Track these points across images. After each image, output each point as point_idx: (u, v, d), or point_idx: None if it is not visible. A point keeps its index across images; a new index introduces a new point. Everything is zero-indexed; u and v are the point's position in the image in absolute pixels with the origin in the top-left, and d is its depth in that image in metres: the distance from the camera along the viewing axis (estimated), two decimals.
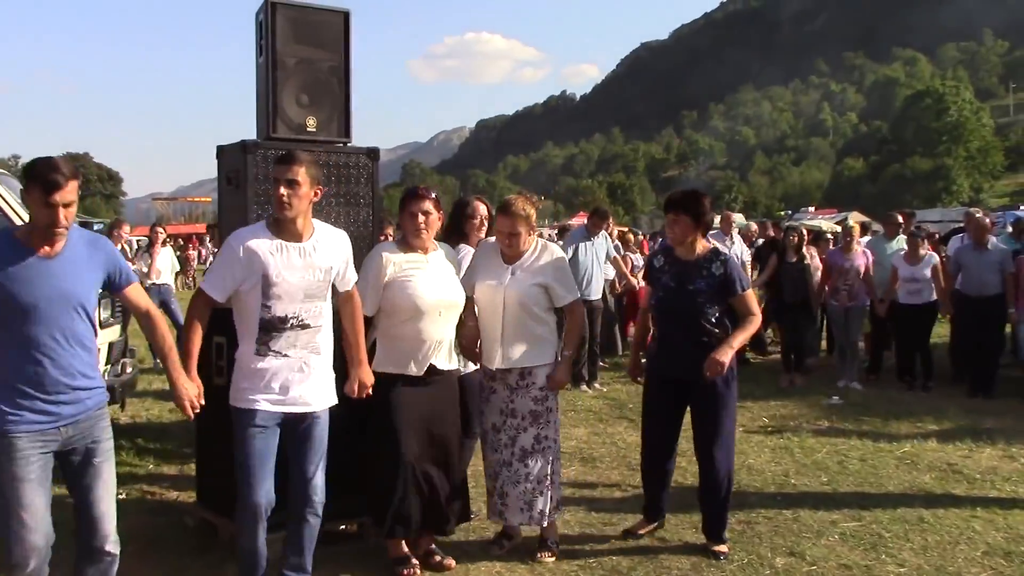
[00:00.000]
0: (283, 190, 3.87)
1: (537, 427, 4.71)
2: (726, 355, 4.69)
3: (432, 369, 4.51)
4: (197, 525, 5.02)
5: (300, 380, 3.99)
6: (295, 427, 4.04)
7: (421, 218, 4.49)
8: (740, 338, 4.81)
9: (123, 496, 5.12)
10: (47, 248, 3.43)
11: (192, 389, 3.82)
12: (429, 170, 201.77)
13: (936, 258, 9.92)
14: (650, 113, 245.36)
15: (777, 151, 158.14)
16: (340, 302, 4.25)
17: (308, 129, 4.87)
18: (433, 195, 4.61)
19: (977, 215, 10.65)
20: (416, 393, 4.48)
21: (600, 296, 9.93)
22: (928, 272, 9.71)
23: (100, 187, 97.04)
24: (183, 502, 5.66)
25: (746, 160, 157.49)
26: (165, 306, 11.39)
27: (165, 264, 11.78)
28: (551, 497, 4.77)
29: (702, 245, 4.93)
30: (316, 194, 4.01)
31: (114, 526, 3.61)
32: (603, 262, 9.93)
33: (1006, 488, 6.05)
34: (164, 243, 12.12)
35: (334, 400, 4.16)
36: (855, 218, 47.10)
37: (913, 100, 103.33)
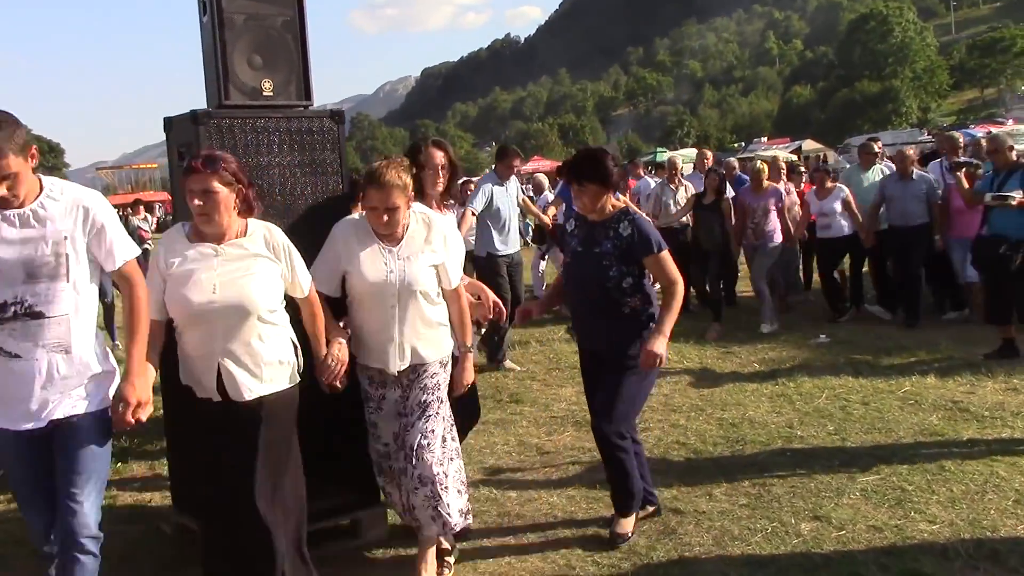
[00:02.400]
0: None
1: (424, 420, 4.04)
2: (660, 345, 4.22)
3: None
4: (175, 533, 4.58)
5: (38, 388, 3.23)
6: (52, 442, 3.32)
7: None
8: (670, 319, 4.30)
9: None
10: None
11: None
12: (377, 122, 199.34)
13: (845, 191, 9.75)
14: (595, 52, 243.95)
15: (725, 83, 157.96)
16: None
17: (264, 94, 4.38)
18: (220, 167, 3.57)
19: (950, 136, 10.47)
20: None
21: (519, 248, 8.96)
22: (837, 206, 9.66)
23: (43, 160, 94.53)
24: (157, 506, 5.26)
25: (695, 93, 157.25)
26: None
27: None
28: (452, 502, 4.03)
29: (611, 205, 4.47)
30: (33, 157, 3.25)
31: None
32: (517, 207, 8.98)
33: (1018, 425, 5.81)
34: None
35: (90, 407, 3.33)
36: (808, 146, 47.35)
37: (857, 23, 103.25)
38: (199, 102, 4.43)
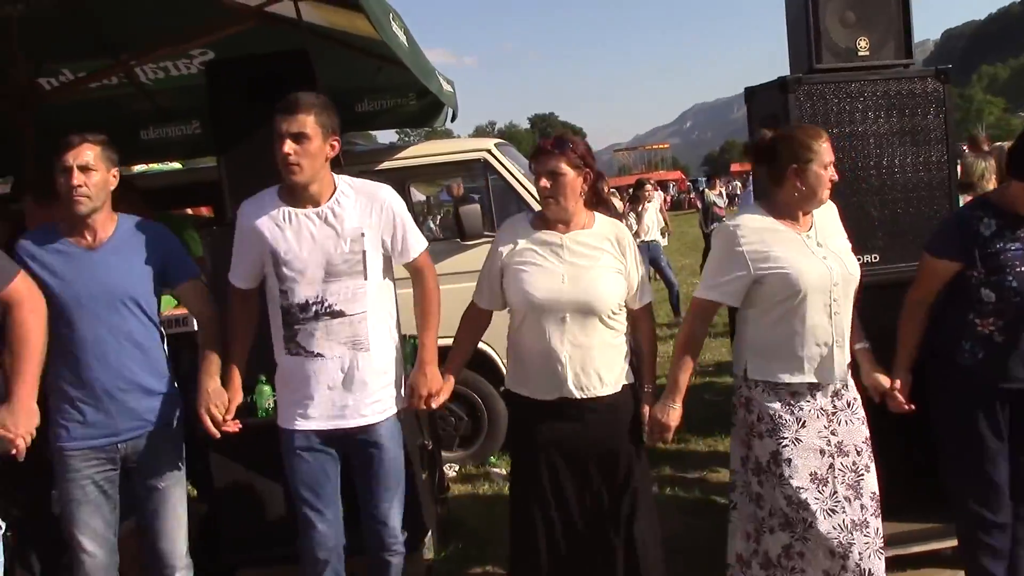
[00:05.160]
0: (288, 147, 3.01)
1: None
2: None
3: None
4: None
5: (339, 388, 3.16)
6: (354, 449, 3.26)
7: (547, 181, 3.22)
8: None
9: None
10: (88, 238, 3.15)
11: (216, 397, 3.21)
12: None
13: None
14: None
15: None
16: (412, 281, 3.38)
17: (860, 54, 3.91)
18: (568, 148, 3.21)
19: None
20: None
21: None
22: None
23: None
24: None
25: None
26: (655, 263, 11.11)
27: (652, 220, 11.43)
28: None
29: None
30: (333, 147, 3.13)
31: (183, 559, 3.33)
32: None
33: None
34: (649, 198, 11.77)
35: (394, 409, 3.28)
36: None
37: None
38: (708, 87, 4.13)
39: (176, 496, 3.31)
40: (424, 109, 6.52)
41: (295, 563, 3.45)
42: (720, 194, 15.38)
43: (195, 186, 6.28)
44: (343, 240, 3.11)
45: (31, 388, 2.94)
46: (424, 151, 6.24)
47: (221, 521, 4.05)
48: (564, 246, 3.20)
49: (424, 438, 4.24)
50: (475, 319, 3.42)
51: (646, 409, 3.29)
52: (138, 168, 8.12)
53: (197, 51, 5.50)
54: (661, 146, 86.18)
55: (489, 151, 6.07)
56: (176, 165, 7.98)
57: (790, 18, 4.05)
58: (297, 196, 3.13)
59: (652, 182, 14.33)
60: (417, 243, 3.28)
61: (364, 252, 3.14)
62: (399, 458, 3.30)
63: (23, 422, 2.89)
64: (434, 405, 3.27)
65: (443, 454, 5.95)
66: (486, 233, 5.71)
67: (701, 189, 24.40)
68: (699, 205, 17.75)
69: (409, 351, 4.54)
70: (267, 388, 3.85)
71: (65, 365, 3.12)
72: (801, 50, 3.95)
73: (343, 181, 3.20)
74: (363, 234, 3.14)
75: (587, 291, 3.15)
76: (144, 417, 3.20)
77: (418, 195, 9.16)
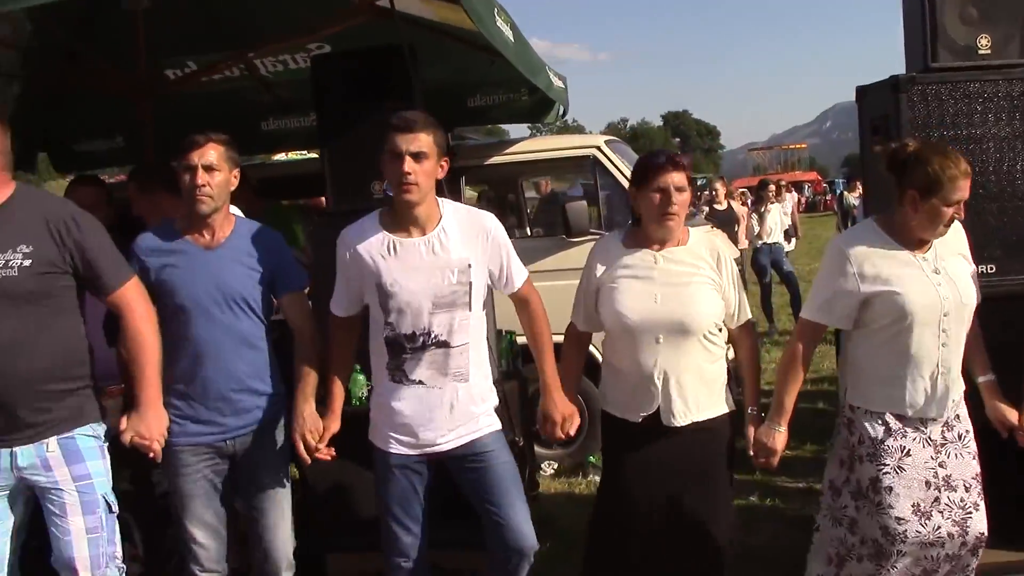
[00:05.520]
0: (408, 165, 2.89)
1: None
2: None
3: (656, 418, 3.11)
4: None
5: (442, 416, 3.07)
6: (458, 466, 3.16)
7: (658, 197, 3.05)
8: None
9: None
10: (206, 237, 3.18)
11: (311, 423, 3.18)
12: None
13: None
14: None
15: None
16: (516, 308, 3.26)
17: (980, 52, 3.70)
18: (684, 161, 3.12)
19: None
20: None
21: None
22: None
23: (699, 142, 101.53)
24: None
25: None
26: (776, 266, 10.85)
27: (775, 221, 11.13)
28: None
29: None
30: (442, 168, 3.01)
31: (289, 554, 3.35)
32: None
33: None
34: (773, 199, 11.47)
35: (494, 427, 3.18)
36: None
37: None
38: (851, 85, 3.91)
39: (281, 494, 3.34)
40: (536, 104, 6.50)
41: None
42: (860, 196, 14.87)
43: (311, 176, 6.45)
44: (450, 271, 3.01)
45: (156, 391, 2.99)
46: (534, 147, 6.23)
47: (311, 508, 4.12)
48: (658, 265, 3.09)
49: (515, 435, 4.23)
50: (577, 339, 3.35)
51: (751, 431, 3.18)
52: (279, 157, 8.40)
53: (313, 45, 5.61)
54: (798, 146, 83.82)
55: (599, 148, 6.02)
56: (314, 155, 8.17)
57: (906, 13, 3.88)
58: (402, 221, 3.03)
59: (783, 183, 14.01)
60: (520, 272, 3.20)
61: (471, 284, 3.04)
62: (510, 461, 3.21)
63: (155, 426, 2.97)
64: (571, 431, 3.20)
65: (543, 451, 5.96)
66: (592, 231, 5.66)
67: (839, 191, 23.63)
68: (836, 208, 17.19)
69: (505, 346, 4.55)
70: (361, 377, 3.90)
71: (179, 363, 3.17)
72: (916, 48, 3.77)
73: (448, 207, 3.11)
74: (470, 265, 3.04)
75: (681, 310, 3.03)
76: (254, 416, 3.23)
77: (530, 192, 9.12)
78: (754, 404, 3.22)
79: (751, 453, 3.17)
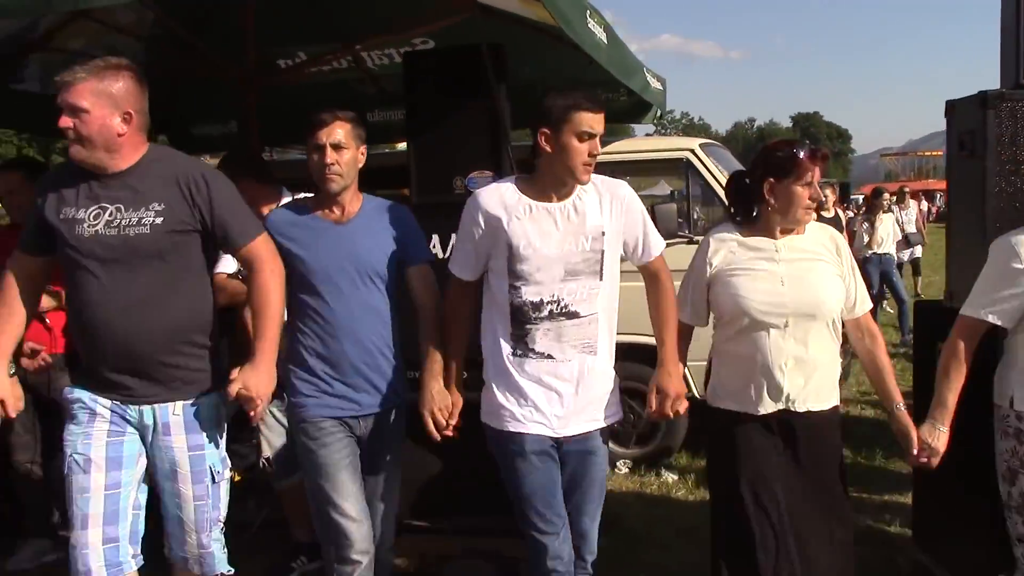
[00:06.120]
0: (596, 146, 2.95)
1: None
2: None
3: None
4: (912, 569, 4.08)
5: (570, 392, 3.01)
6: (569, 456, 3.09)
7: None
8: None
9: None
10: (336, 212, 3.23)
11: (440, 400, 3.12)
12: None
13: None
14: None
15: None
16: (645, 281, 3.21)
17: None
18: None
19: None
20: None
21: None
22: None
23: (829, 145, 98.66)
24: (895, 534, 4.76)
25: None
26: (886, 277, 10.59)
27: (887, 232, 10.83)
28: None
29: None
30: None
31: (391, 539, 3.42)
32: None
33: None
34: (888, 209, 11.18)
35: (615, 416, 3.17)
36: None
37: None
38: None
39: (395, 477, 3.38)
40: (634, 105, 6.51)
41: (449, 535, 3.67)
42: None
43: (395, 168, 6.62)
44: (585, 237, 2.97)
45: (272, 349, 2.98)
46: (628, 147, 6.27)
47: None
48: (779, 251, 3.07)
49: None
50: (681, 332, 3.23)
51: (911, 430, 3.08)
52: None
53: (418, 40, 5.77)
54: (934, 153, 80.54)
55: (693, 151, 6.03)
56: None
57: (1003, 28, 3.76)
58: (544, 189, 3.01)
59: (906, 190, 13.70)
60: (658, 243, 3.15)
61: (603, 252, 2.99)
62: (605, 468, 3.20)
63: (265, 384, 2.95)
64: (681, 410, 3.09)
65: (618, 450, 5.99)
66: (680, 234, 5.67)
67: None
68: None
69: None
70: None
71: (313, 338, 3.17)
72: (1009, 63, 3.66)
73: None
74: (603, 232, 3.00)
75: (810, 294, 3.00)
76: (382, 395, 3.23)
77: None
78: (901, 398, 3.12)
79: (912, 451, 3.08)
